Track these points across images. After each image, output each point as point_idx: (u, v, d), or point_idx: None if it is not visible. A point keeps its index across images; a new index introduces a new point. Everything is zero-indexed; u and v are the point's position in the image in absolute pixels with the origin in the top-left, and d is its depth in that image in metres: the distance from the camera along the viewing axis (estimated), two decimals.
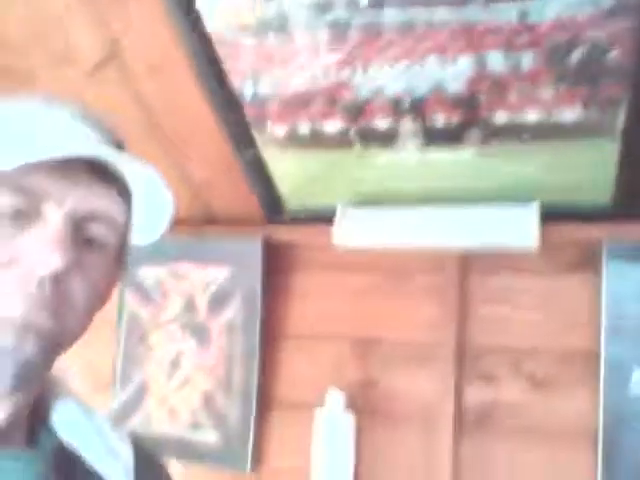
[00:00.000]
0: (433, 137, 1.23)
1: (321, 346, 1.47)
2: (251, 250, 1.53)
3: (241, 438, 1.49)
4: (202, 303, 1.60)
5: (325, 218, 1.42)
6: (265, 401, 1.50)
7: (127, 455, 0.59)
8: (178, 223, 1.58)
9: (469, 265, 1.38)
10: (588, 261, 1.29)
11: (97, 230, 0.51)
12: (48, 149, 0.46)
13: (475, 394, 1.34)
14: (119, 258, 0.56)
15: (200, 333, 1.59)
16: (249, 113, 1.30)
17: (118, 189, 0.53)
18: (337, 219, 1.41)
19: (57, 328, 0.49)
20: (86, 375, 1.72)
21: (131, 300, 1.67)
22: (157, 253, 1.63)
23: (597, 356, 1.23)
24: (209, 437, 1.53)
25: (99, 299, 0.54)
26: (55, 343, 0.50)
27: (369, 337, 1.44)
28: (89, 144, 0.52)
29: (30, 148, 0.46)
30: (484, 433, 1.31)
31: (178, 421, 1.59)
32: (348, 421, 1.37)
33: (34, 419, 0.55)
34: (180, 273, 1.62)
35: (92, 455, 0.56)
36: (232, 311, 1.57)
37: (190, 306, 1.61)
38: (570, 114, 1.13)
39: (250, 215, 1.52)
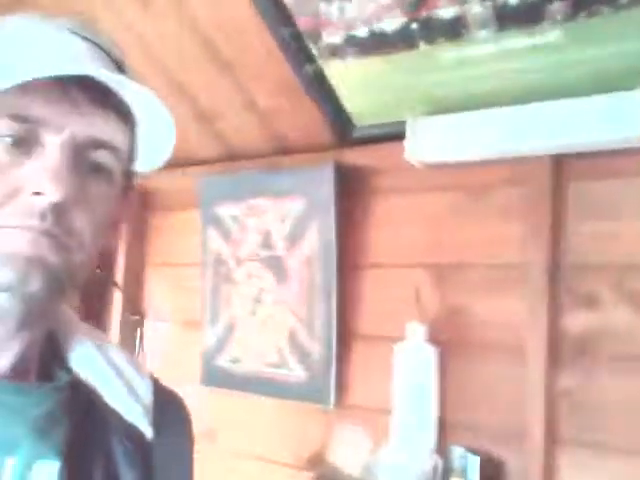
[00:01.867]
0: (508, 20, 1.06)
1: (400, 275, 1.37)
2: (323, 178, 1.44)
3: (324, 374, 1.44)
4: (279, 238, 1.55)
5: (397, 134, 1.30)
6: (346, 335, 1.43)
7: (146, 392, 0.57)
8: (249, 156, 1.58)
9: (563, 172, 1.19)
10: None
11: (100, 157, 0.49)
12: (42, 68, 0.44)
13: (572, 319, 1.16)
14: (125, 186, 0.53)
15: (279, 268, 1.55)
16: (303, 25, 1.21)
17: (119, 114, 0.50)
18: (408, 132, 1.28)
19: (63, 261, 0.46)
20: (176, 313, 1.76)
21: (212, 238, 1.67)
22: (232, 189, 1.61)
23: None
24: (294, 373, 1.50)
25: (106, 229, 0.51)
26: (62, 277, 0.47)
27: (450, 263, 1.31)
28: (85, 64, 0.48)
29: (23, 66, 0.44)
30: (582, 363, 1.14)
31: (263, 358, 1.57)
32: (430, 354, 1.26)
33: (48, 356, 0.54)
34: (255, 208, 1.59)
35: (109, 392, 0.54)
36: (309, 244, 1.50)
37: (267, 241, 1.57)
38: None
39: (320, 140, 1.43)
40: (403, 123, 1.29)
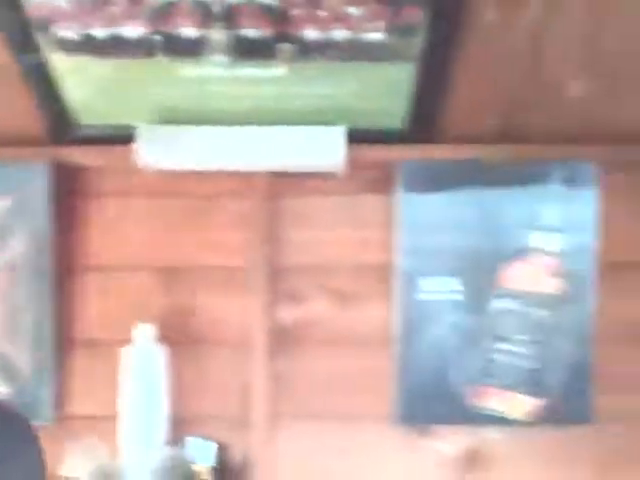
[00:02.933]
0: (244, 50, 1.18)
1: (125, 278, 1.37)
2: (36, 176, 1.33)
3: (37, 387, 1.33)
4: None
5: (124, 137, 1.29)
6: (64, 343, 1.36)
7: None
8: None
9: (277, 187, 1.38)
10: (386, 181, 1.37)
11: None
12: None
13: (285, 313, 1.37)
14: None
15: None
16: (33, 13, 1.10)
17: None
18: (138, 138, 1.29)
19: None
20: None
21: None
22: None
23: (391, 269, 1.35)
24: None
25: None
26: None
27: (177, 265, 1.38)
28: None
29: None
30: (294, 350, 1.36)
31: None
32: (159, 354, 1.31)
33: None
34: None
35: None
36: (13, 247, 1.36)
37: None
38: (375, 35, 1.17)
39: (36, 135, 1.31)
40: (133, 127, 1.29)
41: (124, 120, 1.31)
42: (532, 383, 1.35)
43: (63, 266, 1.36)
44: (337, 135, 1.31)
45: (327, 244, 1.39)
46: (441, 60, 1.19)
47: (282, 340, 1.36)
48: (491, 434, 1.35)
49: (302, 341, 1.37)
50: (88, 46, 1.16)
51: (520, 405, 1.35)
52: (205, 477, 1.25)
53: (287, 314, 1.37)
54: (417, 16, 1.13)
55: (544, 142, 1.32)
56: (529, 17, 1.10)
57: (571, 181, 1.34)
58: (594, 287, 1.33)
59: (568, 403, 1.34)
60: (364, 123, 1.34)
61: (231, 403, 1.34)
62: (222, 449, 1.29)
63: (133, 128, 1.29)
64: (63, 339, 1.36)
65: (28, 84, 1.22)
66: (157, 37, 1.16)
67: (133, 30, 1.14)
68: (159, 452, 1.25)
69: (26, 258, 1.35)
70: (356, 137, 1.32)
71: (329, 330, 1.37)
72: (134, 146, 1.29)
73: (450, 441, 1.35)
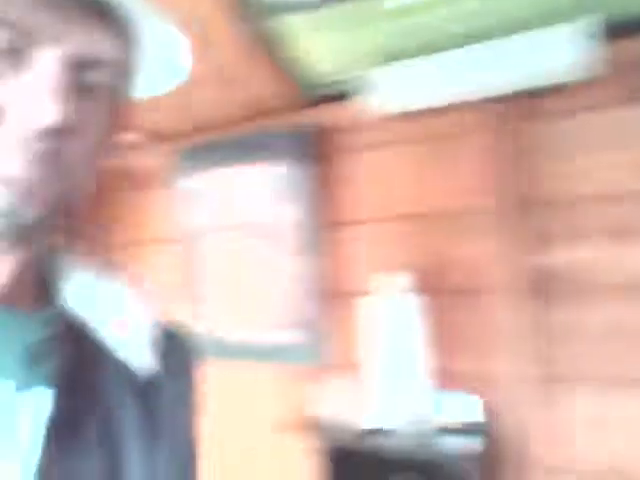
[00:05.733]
0: None
1: (381, 229, 1.37)
2: (300, 140, 1.42)
3: (317, 332, 1.43)
4: (263, 203, 1.52)
5: (357, 89, 1.29)
6: (330, 295, 1.42)
7: (147, 329, 0.54)
8: (220, 126, 1.52)
9: (523, 111, 1.22)
10: None
11: (95, 77, 0.44)
12: None
13: (550, 256, 1.20)
14: (119, 109, 0.49)
15: (266, 232, 1.51)
16: None
17: (118, 29, 0.45)
18: (368, 84, 1.27)
19: (57, 185, 0.43)
20: None
21: (188, 210, 1.61)
22: (208, 159, 1.56)
23: None
24: (290, 335, 1.48)
25: (101, 153, 0.47)
26: (56, 203, 0.44)
27: (428, 212, 1.32)
28: None
29: None
30: (567, 297, 1.18)
31: (255, 324, 1.53)
32: (416, 304, 1.27)
33: (44, 286, 0.51)
34: (233, 176, 1.54)
35: (104, 325, 0.51)
36: (294, 206, 1.48)
37: (250, 208, 1.53)
38: None
39: (286, 102, 1.40)
40: (359, 78, 1.28)
41: (354, 71, 1.31)
42: None
43: (327, 222, 1.42)
44: (588, 30, 1.09)
45: (593, 171, 1.17)
46: None
47: (550, 287, 1.20)
48: None
49: (574, 288, 1.18)
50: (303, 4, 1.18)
51: None
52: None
53: (551, 257, 1.20)
54: None
55: None
56: None
57: None
58: None
59: None
60: (621, 11, 1.09)
61: (494, 358, 1.23)
62: (487, 407, 1.19)
63: (364, 77, 1.28)
64: (329, 290, 1.41)
65: (267, 53, 1.29)
66: None
67: None
68: (420, 400, 1.21)
69: (301, 215, 1.45)
70: (614, 30, 1.08)
71: (607, 274, 1.16)
72: (368, 95, 1.28)
73: None
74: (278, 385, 1.47)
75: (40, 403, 0.45)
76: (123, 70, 0.47)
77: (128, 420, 0.49)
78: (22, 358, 0.45)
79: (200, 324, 1.61)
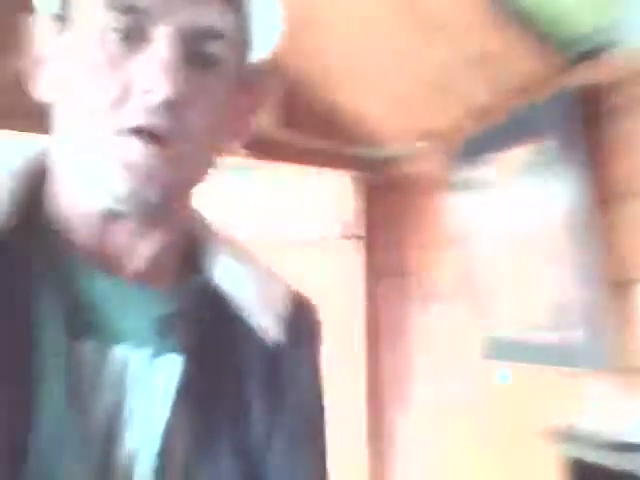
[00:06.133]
0: None
1: None
2: (561, 106, 1.30)
3: (600, 330, 1.23)
4: (518, 185, 1.45)
5: (605, 44, 1.14)
6: (612, 282, 1.25)
7: (280, 299, 0.55)
8: (490, 112, 1.48)
9: None
10: None
11: (211, 48, 0.46)
12: None
13: None
14: (238, 78, 0.50)
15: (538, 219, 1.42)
16: None
17: (228, 2, 0.47)
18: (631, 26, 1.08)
19: (178, 165, 0.45)
20: None
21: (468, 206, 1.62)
22: (483, 149, 1.54)
23: None
24: (569, 334, 1.31)
25: (222, 125, 0.48)
26: (178, 181, 0.46)
27: None
28: None
29: None
30: None
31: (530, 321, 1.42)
32: None
33: (185, 260, 0.53)
34: (498, 159, 1.50)
35: (241, 296, 0.53)
36: (565, 185, 1.34)
37: (515, 192, 1.47)
38: None
39: (548, 71, 1.33)
40: (620, 21, 1.11)
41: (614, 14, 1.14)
42: None
43: (600, 198, 1.27)
44: None
45: None
46: None
47: None
48: None
49: None
50: None
51: None
52: None
53: None
54: None
55: None
56: None
57: None
58: None
59: None
60: None
61: None
62: None
63: (625, 19, 1.10)
64: (608, 280, 1.25)
65: (521, 25, 1.28)
66: None
67: None
68: None
69: (572, 195, 1.30)
70: None
71: None
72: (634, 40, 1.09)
73: None
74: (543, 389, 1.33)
75: (172, 369, 0.47)
76: (238, 38, 0.47)
77: (254, 384, 0.51)
78: (156, 328, 0.47)
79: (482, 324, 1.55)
